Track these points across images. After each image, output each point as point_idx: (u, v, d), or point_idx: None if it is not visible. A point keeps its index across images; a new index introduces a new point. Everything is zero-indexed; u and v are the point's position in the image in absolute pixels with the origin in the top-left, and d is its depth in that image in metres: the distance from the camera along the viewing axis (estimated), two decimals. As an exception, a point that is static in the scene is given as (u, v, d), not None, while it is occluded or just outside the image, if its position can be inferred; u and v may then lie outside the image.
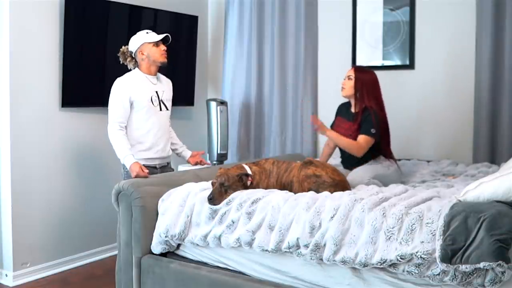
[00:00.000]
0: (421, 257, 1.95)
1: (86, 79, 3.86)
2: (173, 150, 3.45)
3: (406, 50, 4.12)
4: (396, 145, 3.60)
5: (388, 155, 3.29)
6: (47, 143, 3.69)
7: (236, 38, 4.79)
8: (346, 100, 3.36)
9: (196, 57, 4.71)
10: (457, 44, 3.94)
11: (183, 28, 4.60)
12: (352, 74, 3.21)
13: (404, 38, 4.12)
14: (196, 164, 3.46)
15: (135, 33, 3.19)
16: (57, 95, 3.74)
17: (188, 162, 3.49)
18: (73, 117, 3.86)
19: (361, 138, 3.11)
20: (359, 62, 4.29)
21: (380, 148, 3.22)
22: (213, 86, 5.10)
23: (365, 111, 3.15)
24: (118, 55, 3.24)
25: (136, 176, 2.87)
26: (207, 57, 5.09)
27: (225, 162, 4.56)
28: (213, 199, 2.48)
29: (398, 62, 4.17)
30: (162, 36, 3.15)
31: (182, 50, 4.56)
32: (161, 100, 3.21)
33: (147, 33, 3.16)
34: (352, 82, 3.20)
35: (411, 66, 4.11)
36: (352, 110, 3.25)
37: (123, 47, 3.23)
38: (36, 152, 3.62)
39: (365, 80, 3.19)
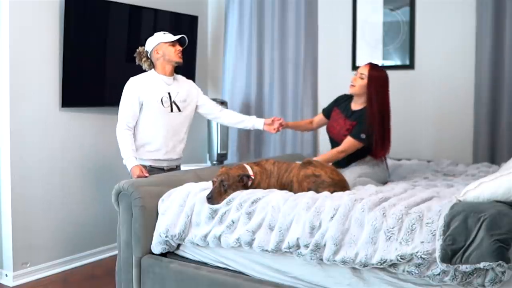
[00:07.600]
0: (421, 257, 1.95)
1: (86, 79, 3.86)
2: (242, 127, 3.41)
3: (406, 50, 4.12)
4: (396, 145, 3.59)
5: (379, 158, 3.16)
6: (47, 143, 3.69)
7: (236, 38, 4.80)
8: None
9: (196, 57, 4.71)
10: (457, 44, 3.94)
11: (183, 28, 4.59)
12: (365, 72, 3.06)
13: (404, 38, 4.12)
14: (278, 130, 3.34)
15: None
16: (57, 95, 3.74)
17: (265, 130, 3.37)
18: (73, 117, 3.86)
19: (347, 141, 3.05)
20: (359, 62, 4.29)
21: (371, 151, 3.12)
22: (213, 86, 5.10)
23: (363, 112, 3.07)
24: (134, 55, 3.24)
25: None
26: (207, 57, 5.09)
27: (225, 162, 4.56)
28: (212, 198, 2.47)
29: (398, 62, 4.17)
30: (178, 36, 3.16)
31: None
32: (173, 101, 3.16)
33: (164, 33, 3.17)
34: (363, 82, 3.07)
35: (411, 66, 4.11)
36: (352, 107, 3.18)
37: (139, 47, 3.23)
38: (36, 152, 3.62)
39: (377, 81, 3.04)
